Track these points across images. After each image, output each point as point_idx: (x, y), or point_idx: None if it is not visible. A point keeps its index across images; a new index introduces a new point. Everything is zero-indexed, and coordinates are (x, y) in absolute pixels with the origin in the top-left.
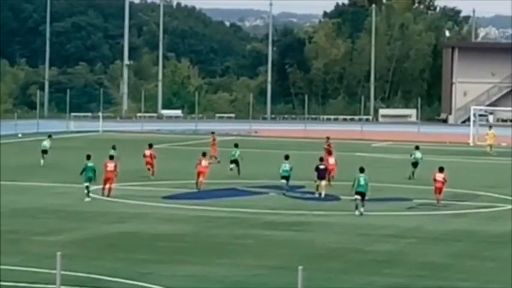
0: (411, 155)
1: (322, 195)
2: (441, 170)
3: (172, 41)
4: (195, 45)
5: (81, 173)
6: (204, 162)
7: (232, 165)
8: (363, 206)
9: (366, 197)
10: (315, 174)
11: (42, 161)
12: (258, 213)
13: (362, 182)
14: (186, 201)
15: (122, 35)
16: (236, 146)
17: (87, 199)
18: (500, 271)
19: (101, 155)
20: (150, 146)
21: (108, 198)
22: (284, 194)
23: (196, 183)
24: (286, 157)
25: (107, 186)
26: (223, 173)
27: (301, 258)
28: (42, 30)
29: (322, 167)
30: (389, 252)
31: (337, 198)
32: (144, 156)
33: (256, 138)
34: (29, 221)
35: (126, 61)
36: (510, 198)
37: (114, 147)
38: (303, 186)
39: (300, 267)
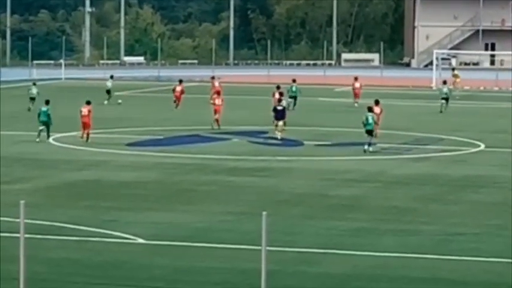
0: (439, 91)
1: (278, 137)
2: (377, 103)
3: None
4: None
5: (38, 117)
6: (218, 101)
7: (290, 100)
8: (374, 144)
9: (329, 142)
10: (273, 115)
11: (31, 107)
12: (221, 160)
13: (370, 121)
14: (150, 148)
15: None
16: (294, 81)
17: (37, 139)
18: (463, 214)
19: (62, 102)
20: (180, 81)
21: (79, 147)
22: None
23: (216, 120)
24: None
25: (85, 131)
26: (188, 119)
27: (265, 203)
28: None
29: (279, 108)
30: (353, 196)
31: (301, 143)
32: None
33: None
34: None
35: (88, 8)
36: (474, 141)
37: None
38: (266, 132)
39: (264, 213)
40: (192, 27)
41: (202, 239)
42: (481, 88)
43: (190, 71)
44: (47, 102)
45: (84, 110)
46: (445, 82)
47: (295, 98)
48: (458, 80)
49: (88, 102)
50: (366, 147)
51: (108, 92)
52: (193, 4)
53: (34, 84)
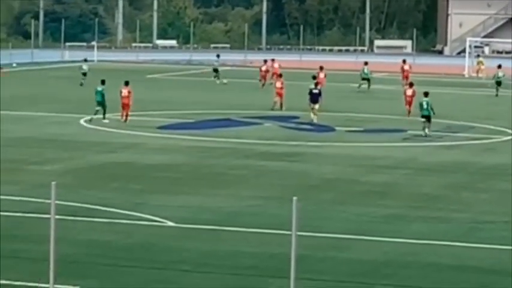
0: (494, 76)
1: (315, 121)
2: (411, 85)
3: None
4: None
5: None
6: (278, 84)
7: (363, 82)
8: (428, 127)
9: (361, 128)
10: (308, 98)
11: (83, 82)
12: (252, 144)
13: (425, 106)
14: (181, 131)
15: None
16: (366, 63)
17: (91, 117)
18: (493, 203)
19: (95, 84)
20: (265, 61)
21: (111, 129)
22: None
23: (280, 104)
24: None
25: (124, 111)
26: (220, 103)
27: (295, 188)
28: None
29: (315, 91)
30: (384, 183)
31: (332, 129)
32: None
33: (251, 69)
34: (24, 150)
35: None
36: (505, 130)
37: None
38: (297, 117)
39: (295, 198)
40: (225, 12)
41: (231, 223)
42: None
43: (222, 55)
44: (103, 82)
45: (124, 91)
46: (499, 66)
47: (368, 80)
48: (482, 67)
49: (127, 83)
50: (422, 134)
51: (85, 74)
52: None
53: (85, 60)
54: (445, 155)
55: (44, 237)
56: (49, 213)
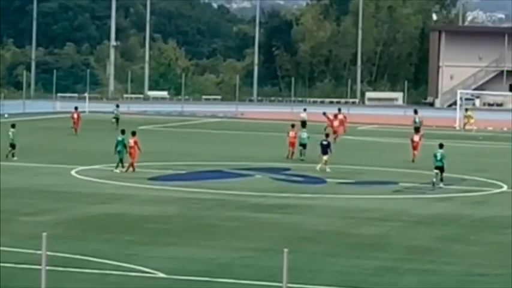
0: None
1: (327, 170)
2: (417, 130)
3: (159, 22)
4: (182, 26)
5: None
6: (292, 133)
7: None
8: (441, 180)
9: (352, 180)
10: (319, 148)
11: (117, 127)
12: (244, 196)
13: (439, 157)
14: (172, 182)
15: (109, 16)
16: (416, 112)
17: (115, 170)
18: (485, 255)
19: (86, 135)
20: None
21: (102, 180)
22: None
23: (292, 153)
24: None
25: (131, 162)
26: (211, 154)
27: (286, 240)
28: (29, 10)
29: (325, 142)
30: (375, 235)
31: (324, 181)
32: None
33: (243, 121)
34: (15, 201)
35: (113, 42)
36: (497, 182)
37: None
38: (288, 169)
39: (286, 250)
40: (217, 63)
41: (222, 274)
42: (505, 129)
43: (213, 106)
44: (123, 132)
45: (131, 141)
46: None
47: (417, 129)
48: (472, 121)
49: (134, 133)
50: (436, 183)
51: (117, 119)
52: (218, 40)
53: (117, 106)
54: (436, 207)
55: None
56: (40, 264)
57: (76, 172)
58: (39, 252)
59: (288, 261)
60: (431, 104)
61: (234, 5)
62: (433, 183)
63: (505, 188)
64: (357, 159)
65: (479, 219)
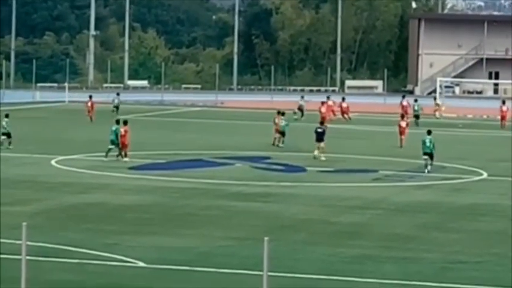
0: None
1: (322, 158)
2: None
3: (138, 12)
4: (162, 15)
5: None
6: (278, 120)
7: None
8: (431, 165)
9: (332, 168)
10: (314, 136)
11: (117, 115)
12: (224, 184)
13: (428, 144)
14: (152, 172)
15: (89, 6)
16: (415, 100)
17: (104, 159)
18: (465, 243)
19: (66, 125)
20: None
21: (81, 170)
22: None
23: (275, 139)
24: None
25: (123, 151)
26: (191, 143)
27: (267, 229)
28: (8, 0)
29: (319, 130)
30: (355, 223)
31: (304, 170)
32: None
33: (222, 109)
34: None
35: (93, 31)
36: (476, 170)
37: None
38: (269, 157)
39: (266, 238)
40: (196, 52)
41: (203, 263)
42: (484, 117)
43: (193, 95)
44: (117, 122)
45: (122, 130)
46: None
47: (417, 116)
48: (443, 108)
49: (125, 123)
50: (425, 171)
51: (117, 107)
52: (197, 29)
53: (118, 94)
54: (416, 195)
55: (15, 278)
56: (20, 254)
57: (56, 162)
58: (19, 242)
59: (268, 250)
60: (411, 92)
61: None
62: (428, 172)
63: (484, 175)
64: (337, 147)
65: (459, 207)
